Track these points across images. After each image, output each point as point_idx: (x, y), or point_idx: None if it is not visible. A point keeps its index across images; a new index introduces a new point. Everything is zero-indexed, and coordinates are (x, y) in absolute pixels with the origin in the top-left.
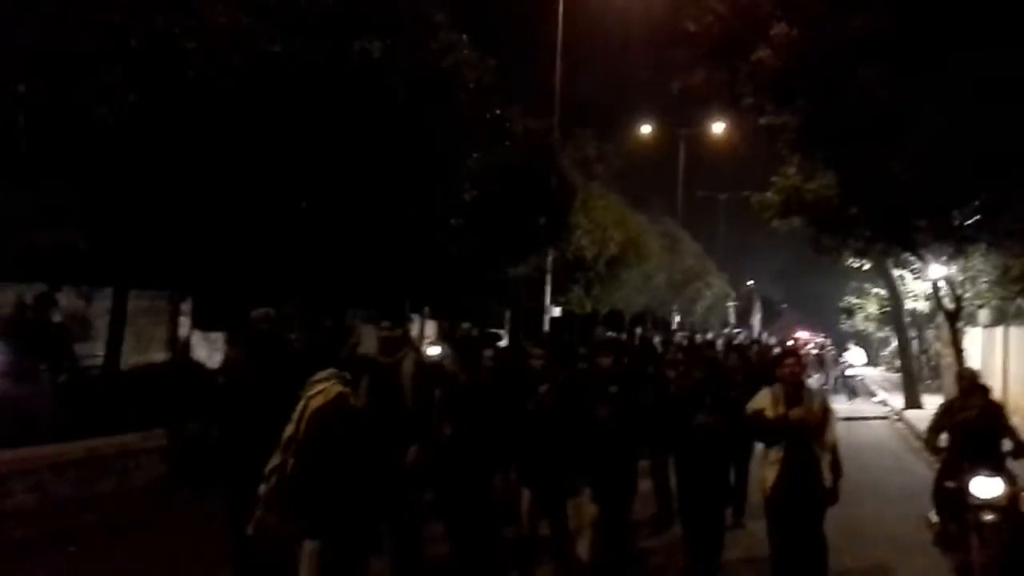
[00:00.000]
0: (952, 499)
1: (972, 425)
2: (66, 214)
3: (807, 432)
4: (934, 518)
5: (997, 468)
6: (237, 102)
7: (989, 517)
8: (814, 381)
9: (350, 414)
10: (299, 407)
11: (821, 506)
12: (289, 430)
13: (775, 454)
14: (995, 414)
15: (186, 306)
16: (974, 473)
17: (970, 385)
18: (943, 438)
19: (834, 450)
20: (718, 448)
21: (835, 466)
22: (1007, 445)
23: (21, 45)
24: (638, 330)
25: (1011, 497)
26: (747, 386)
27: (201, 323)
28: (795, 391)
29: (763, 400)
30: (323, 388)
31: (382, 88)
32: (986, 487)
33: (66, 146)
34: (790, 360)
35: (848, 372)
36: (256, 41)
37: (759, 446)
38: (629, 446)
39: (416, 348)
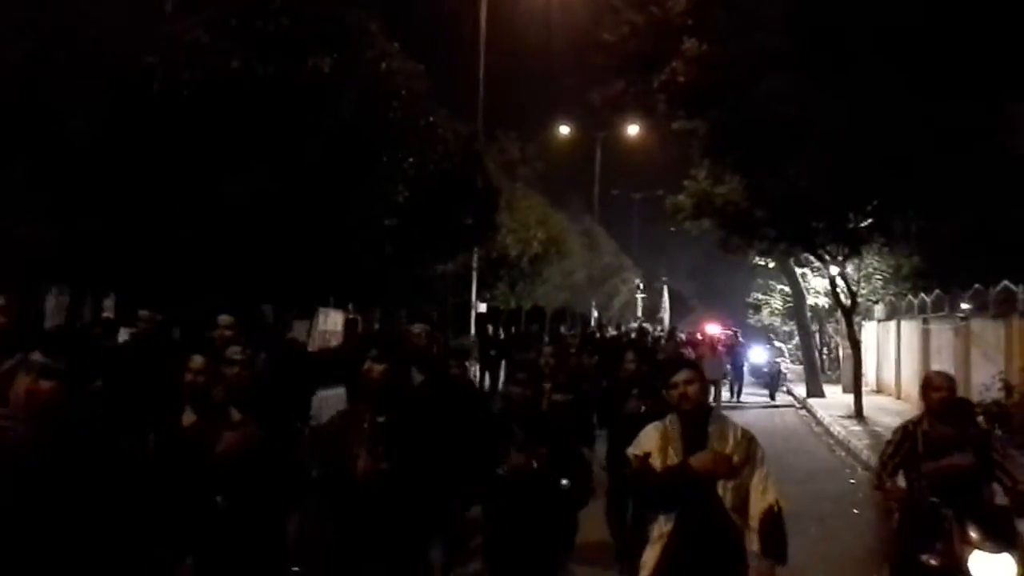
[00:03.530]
0: None
1: (964, 472)
2: (38, 215)
3: (717, 489)
4: None
5: (1002, 535)
6: (196, 112)
7: None
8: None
9: None
10: None
11: None
12: None
13: (659, 527)
14: (985, 447)
15: (109, 302)
16: (969, 544)
17: (946, 401)
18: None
19: (769, 515)
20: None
21: (771, 542)
22: (997, 491)
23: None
24: (562, 327)
25: None
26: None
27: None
28: (694, 423)
29: (648, 441)
30: None
31: (330, 100)
32: (993, 568)
33: (38, 151)
34: (683, 376)
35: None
36: (218, 58)
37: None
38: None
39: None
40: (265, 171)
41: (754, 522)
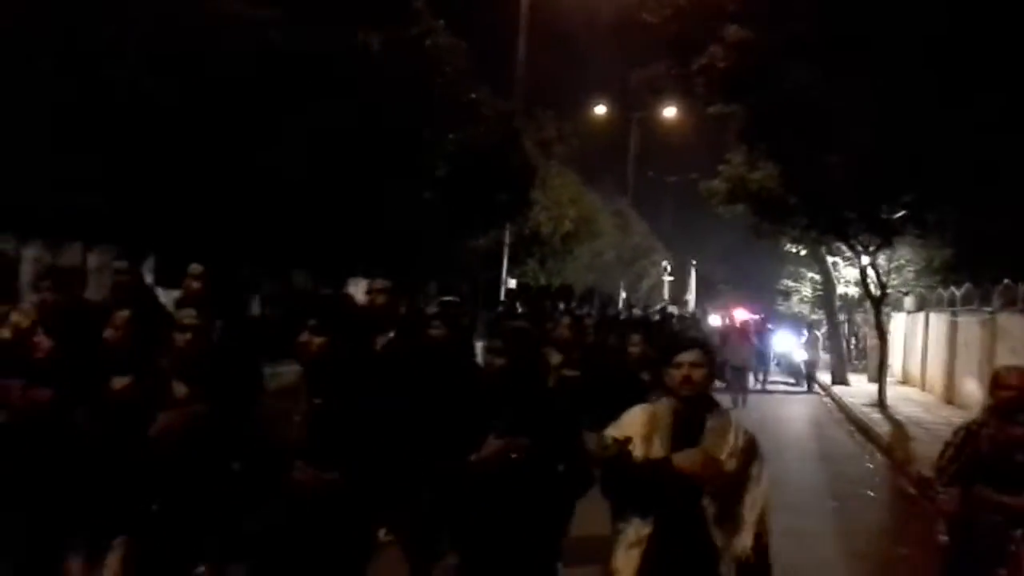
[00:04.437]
0: None
1: None
2: (89, 182)
3: (703, 496)
4: None
5: None
6: (244, 85)
7: None
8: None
9: None
10: None
11: None
12: None
13: (636, 530)
14: None
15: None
16: None
17: (1017, 401)
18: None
19: (758, 530)
20: None
21: (753, 566)
22: None
23: (50, 31)
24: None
25: None
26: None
27: (163, 280)
28: (691, 414)
29: (631, 424)
30: None
31: (378, 77)
32: None
33: (89, 122)
34: (690, 356)
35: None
36: (263, 30)
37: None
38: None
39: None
40: (305, 141)
41: (735, 551)
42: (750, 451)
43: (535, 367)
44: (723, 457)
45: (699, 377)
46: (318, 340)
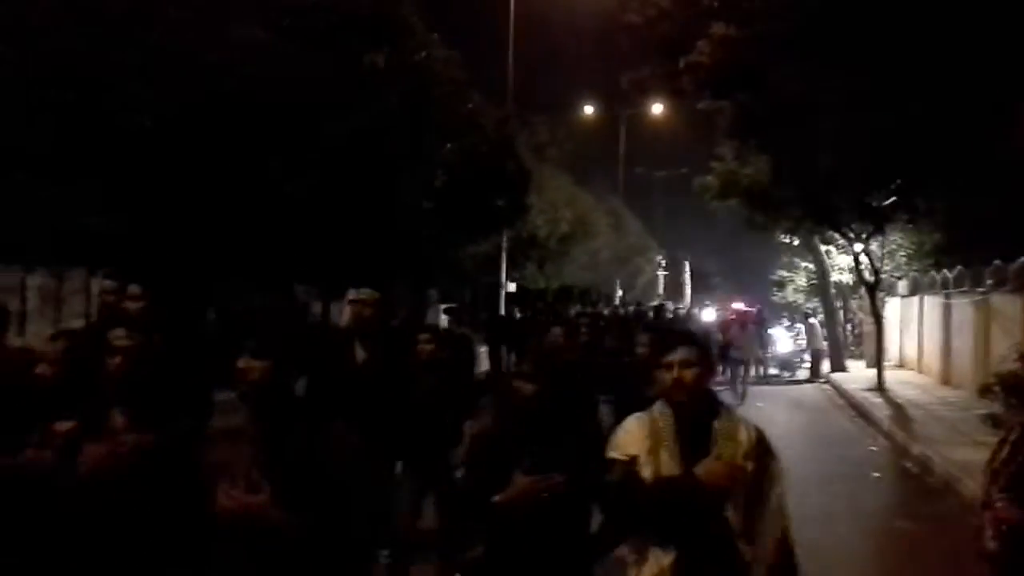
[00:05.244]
0: None
1: None
2: (90, 206)
3: (726, 509)
4: None
5: None
6: (248, 107)
7: None
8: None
9: None
10: None
11: None
12: None
13: (657, 560)
14: None
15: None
16: None
17: None
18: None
19: (782, 547)
20: None
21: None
22: None
23: (56, 57)
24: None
25: None
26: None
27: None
28: (696, 418)
29: (632, 440)
30: None
31: (383, 95)
32: None
33: (91, 147)
34: (679, 355)
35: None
36: (275, 56)
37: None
38: None
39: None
40: (314, 159)
41: (763, 554)
42: (762, 449)
43: (572, 394)
44: (740, 460)
45: (691, 377)
46: (259, 365)
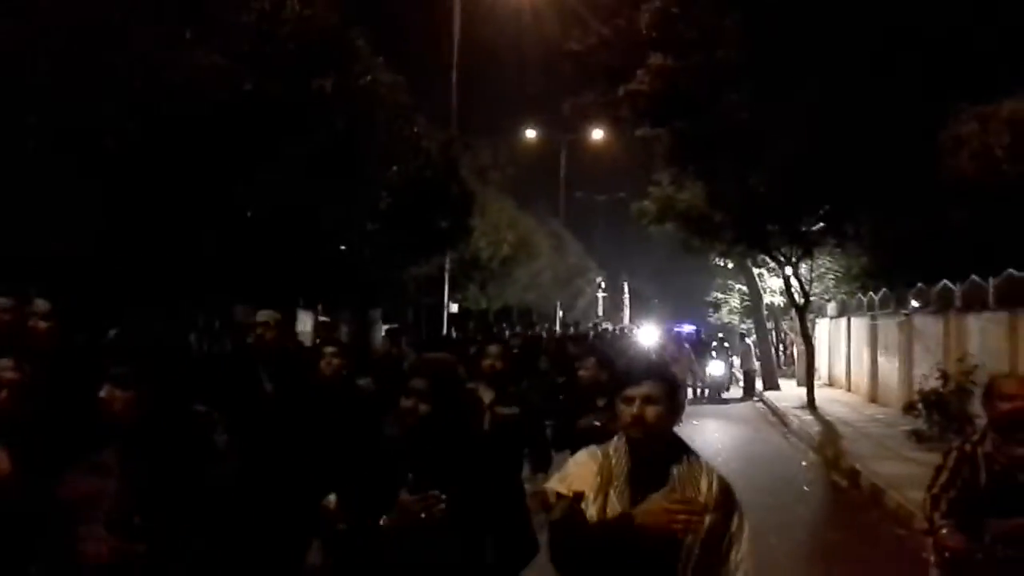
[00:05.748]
0: None
1: None
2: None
3: (678, 561)
4: None
5: None
6: (213, 131)
7: None
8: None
9: None
10: None
11: None
12: None
13: None
14: None
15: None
16: None
17: (1020, 414)
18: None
19: None
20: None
21: None
22: None
23: (32, 81)
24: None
25: None
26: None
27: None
28: (654, 458)
29: (581, 475)
30: None
31: (329, 118)
32: None
33: (70, 169)
34: (643, 389)
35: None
36: (234, 80)
37: None
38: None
39: None
40: (269, 180)
41: None
42: (727, 502)
43: (463, 410)
44: (697, 503)
45: (653, 416)
46: (122, 395)
